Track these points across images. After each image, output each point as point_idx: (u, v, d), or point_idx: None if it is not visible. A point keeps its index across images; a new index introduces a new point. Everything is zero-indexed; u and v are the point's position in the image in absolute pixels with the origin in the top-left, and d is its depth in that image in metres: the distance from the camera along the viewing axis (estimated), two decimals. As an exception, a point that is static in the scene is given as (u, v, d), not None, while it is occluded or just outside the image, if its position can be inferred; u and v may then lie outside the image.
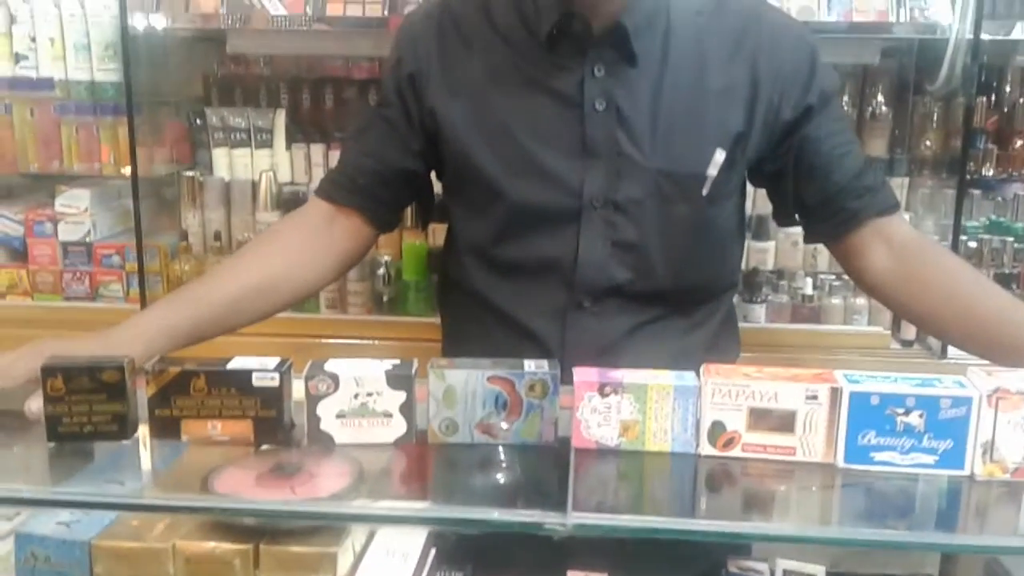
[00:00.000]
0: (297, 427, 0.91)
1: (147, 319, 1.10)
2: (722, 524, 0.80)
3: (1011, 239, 2.07)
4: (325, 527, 0.88)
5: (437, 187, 1.29)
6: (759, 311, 2.03)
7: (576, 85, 1.13)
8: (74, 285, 2.12)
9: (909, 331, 2.01)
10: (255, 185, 2.12)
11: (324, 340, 2.00)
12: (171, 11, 2.00)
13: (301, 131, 2.19)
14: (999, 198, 2.16)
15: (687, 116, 1.13)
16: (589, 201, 1.14)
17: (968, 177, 1.97)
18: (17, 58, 2.07)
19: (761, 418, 0.86)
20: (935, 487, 0.84)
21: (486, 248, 1.21)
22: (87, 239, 2.12)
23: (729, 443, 0.87)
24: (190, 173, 2.15)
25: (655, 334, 1.20)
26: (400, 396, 0.89)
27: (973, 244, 2.07)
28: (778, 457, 0.86)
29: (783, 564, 1.00)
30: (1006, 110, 2.14)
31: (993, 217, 2.14)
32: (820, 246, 1.27)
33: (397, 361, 0.91)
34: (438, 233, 1.94)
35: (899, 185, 2.04)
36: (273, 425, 0.89)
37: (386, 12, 1.97)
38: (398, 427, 0.89)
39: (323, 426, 0.89)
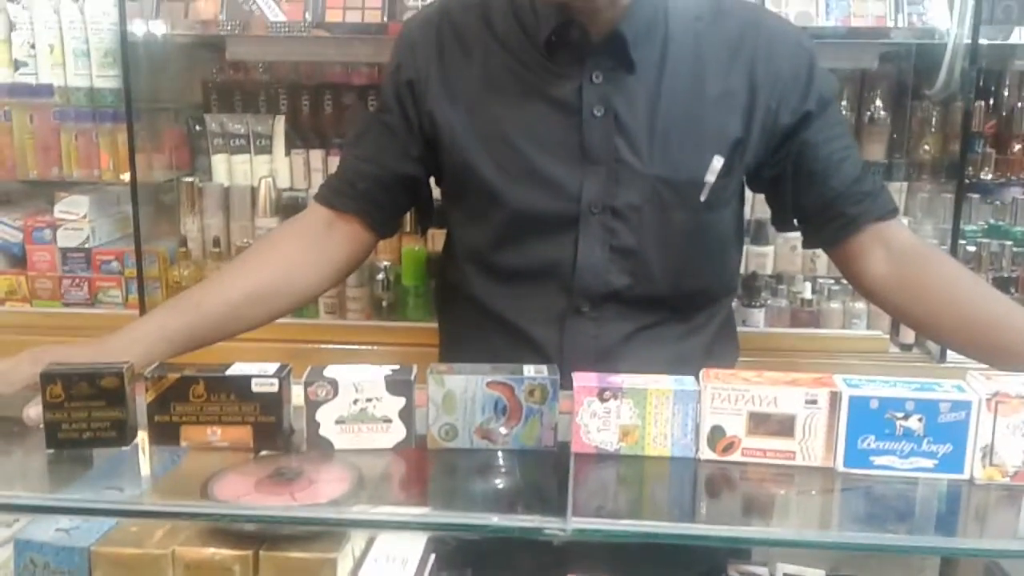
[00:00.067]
0: (296, 433, 0.91)
1: (146, 325, 1.10)
2: (722, 529, 0.80)
3: (1010, 243, 2.08)
4: (325, 533, 0.88)
5: (436, 193, 1.29)
6: (758, 315, 2.03)
7: (574, 92, 1.13)
8: (73, 291, 2.12)
9: (908, 335, 2.01)
10: (254, 191, 2.12)
11: (323, 346, 2.00)
12: (170, 18, 2.00)
13: (300, 137, 2.19)
14: (997, 202, 2.16)
15: (685, 122, 1.13)
16: (587, 207, 1.14)
17: (966, 181, 1.97)
18: (16, 65, 2.07)
19: (761, 422, 0.86)
20: (935, 491, 0.84)
21: (485, 254, 1.21)
22: (86, 245, 2.12)
23: (729, 447, 0.87)
24: (189, 179, 2.15)
25: (654, 339, 1.20)
26: (399, 402, 0.89)
27: (972, 248, 2.07)
28: (778, 461, 0.86)
29: (783, 568, 1.00)
30: (1004, 114, 2.14)
31: (992, 221, 2.14)
32: (819, 250, 1.27)
33: (396, 366, 0.90)
34: (437, 239, 1.94)
35: (898, 189, 2.05)
36: (272, 431, 0.89)
37: (385, 18, 1.97)
38: (397, 432, 0.89)
39: (322, 432, 0.89)
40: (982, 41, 1.86)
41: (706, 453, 0.87)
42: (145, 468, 0.90)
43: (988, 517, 0.84)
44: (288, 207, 2.11)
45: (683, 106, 1.13)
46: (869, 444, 0.84)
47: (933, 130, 2.08)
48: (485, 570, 1.01)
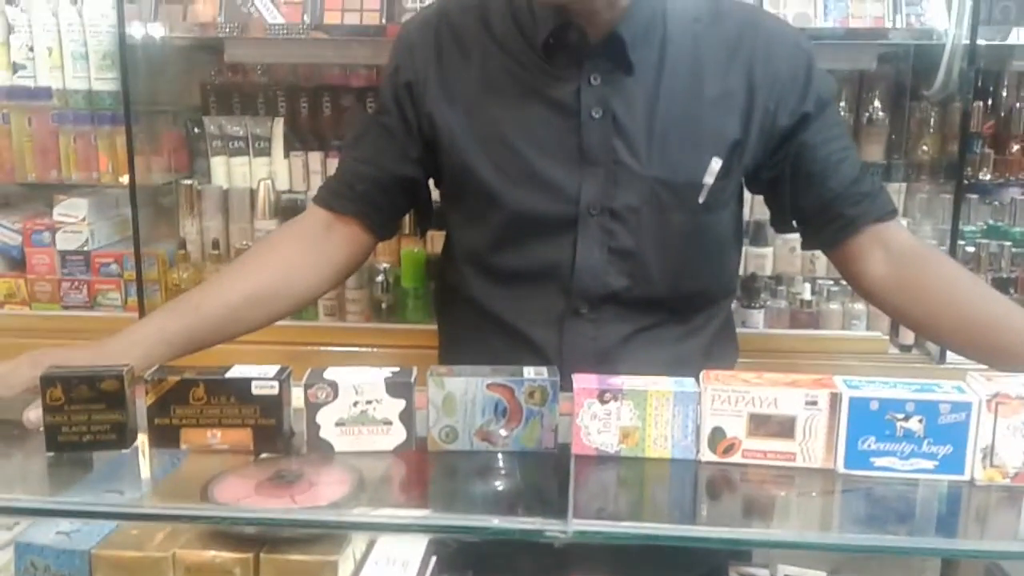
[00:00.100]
0: (296, 435, 0.91)
1: (145, 328, 1.10)
2: (723, 530, 0.80)
3: (1008, 243, 2.08)
4: (325, 535, 0.88)
5: (435, 194, 1.29)
6: (758, 317, 2.03)
7: (572, 94, 1.13)
8: (72, 294, 2.12)
9: (907, 336, 2.02)
10: (253, 193, 2.13)
11: (322, 348, 2.00)
12: (169, 20, 2.00)
13: (299, 139, 2.19)
14: (996, 202, 2.16)
15: (683, 124, 1.13)
16: (586, 209, 1.14)
17: (965, 182, 1.98)
18: (15, 67, 2.07)
19: (761, 424, 0.86)
20: (935, 492, 0.84)
21: (483, 255, 1.21)
22: (85, 248, 2.12)
23: (729, 449, 0.87)
24: (188, 181, 2.16)
25: (653, 341, 1.20)
26: (400, 404, 0.89)
27: (971, 249, 2.07)
28: (778, 463, 0.86)
29: (784, 570, 1.00)
30: (1002, 115, 2.14)
31: (991, 221, 2.14)
32: (818, 251, 1.27)
33: (396, 369, 0.90)
34: (436, 240, 1.94)
35: (896, 190, 2.05)
36: (272, 433, 0.89)
37: (383, 20, 1.97)
38: (398, 435, 0.89)
39: (323, 434, 0.89)
40: (980, 42, 1.86)
41: (707, 455, 0.87)
42: (145, 471, 0.90)
43: (989, 518, 0.84)
44: (287, 209, 2.11)
45: (681, 108, 1.13)
46: (869, 445, 0.84)
47: (932, 131, 2.08)
48: (486, 572, 1.01)
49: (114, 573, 0.87)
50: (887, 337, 2.02)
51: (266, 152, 2.15)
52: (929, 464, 0.84)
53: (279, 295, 1.18)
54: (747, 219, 1.93)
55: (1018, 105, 2.13)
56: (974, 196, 2.14)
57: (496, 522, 0.78)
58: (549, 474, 0.88)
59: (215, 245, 2.11)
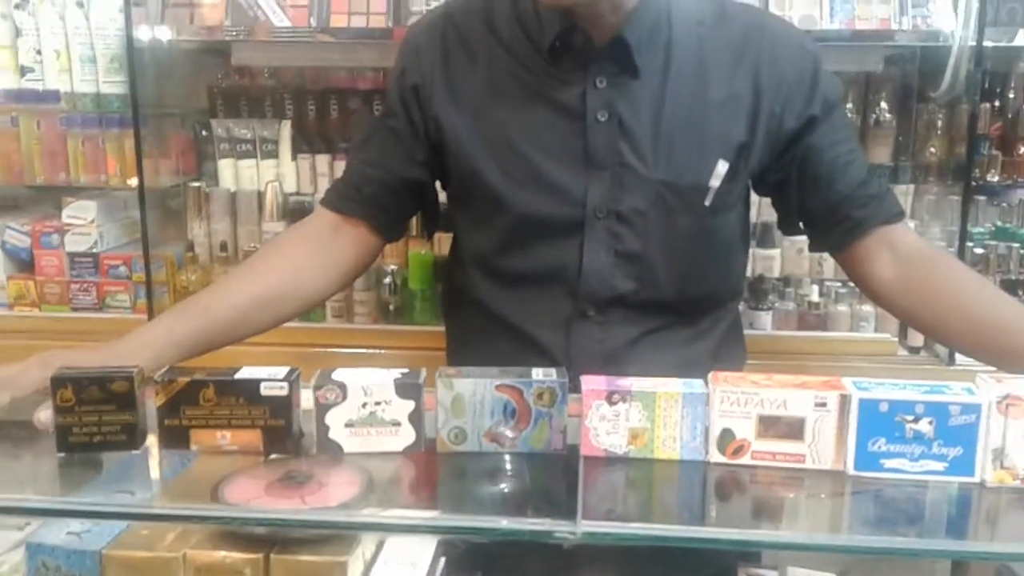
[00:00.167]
0: (306, 436, 0.91)
1: (154, 330, 1.10)
2: (732, 532, 0.80)
3: (1017, 245, 2.07)
4: (335, 536, 0.88)
5: (442, 196, 1.30)
6: (765, 318, 2.02)
7: (578, 97, 1.13)
8: (81, 296, 2.13)
9: (916, 338, 2.01)
10: (261, 196, 2.13)
11: (330, 349, 2.00)
12: (176, 23, 2.00)
13: (306, 142, 2.20)
14: (1004, 204, 2.16)
15: (689, 127, 1.13)
16: (592, 212, 1.14)
17: (973, 183, 1.97)
18: (23, 71, 2.08)
19: (770, 426, 0.86)
20: (945, 494, 0.84)
21: (490, 258, 1.21)
22: (94, 250, 2.12)
23: (738, 451, 0.87)
24: (196, 184, 2.16)
25: (660, 343, 1.20)
26: (409, 405, 0.89)
27: (979, 251, 2.06)
28: (787, 465, 0.86)
29: (793, 571, 1.00)
30: (1010, 116, 2.13)
31: (999, 223, 2.13)
32: (826, 253, 1.27)
33: (405, 370, 0.91)
34: (444, 242, 1.94)
35: (904, 192, 2.04)
36: (282, 434, 0.89)
37: (390, 23, 1.98)
38: (407, 436, 0.89)
39: (332, 435, 0.89)
40: (987, 43, 1.86)
41: (716, 456, 0.87)
42: (155, 471, 0.90)
43: (999, 520, 0.84)
44: (295, 211, 2.11)
45: (687, 111, 1.13)
46: (879, 447, 0.84)
47: (939, 132, 2.08)
48: (495, 573, 1.01)
49: (125, 573, 0.88)
50: (896, 339, 2.01)
51: (273, 155, 2.15)
52: (939, 466, 0.84)
53: (287, 297, 1.18)
54: (754, 221, 1.94)
55: (1026, 106, 2.12)
56: (982, 198, 2.13)
57: (505, 523, 0.78)
58: (558, 475, 0.88)
59: (223, 247, 2.11)
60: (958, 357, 1.89)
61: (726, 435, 0.87)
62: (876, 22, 1.92)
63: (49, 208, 2.21)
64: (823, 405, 0.85)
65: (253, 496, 0.82)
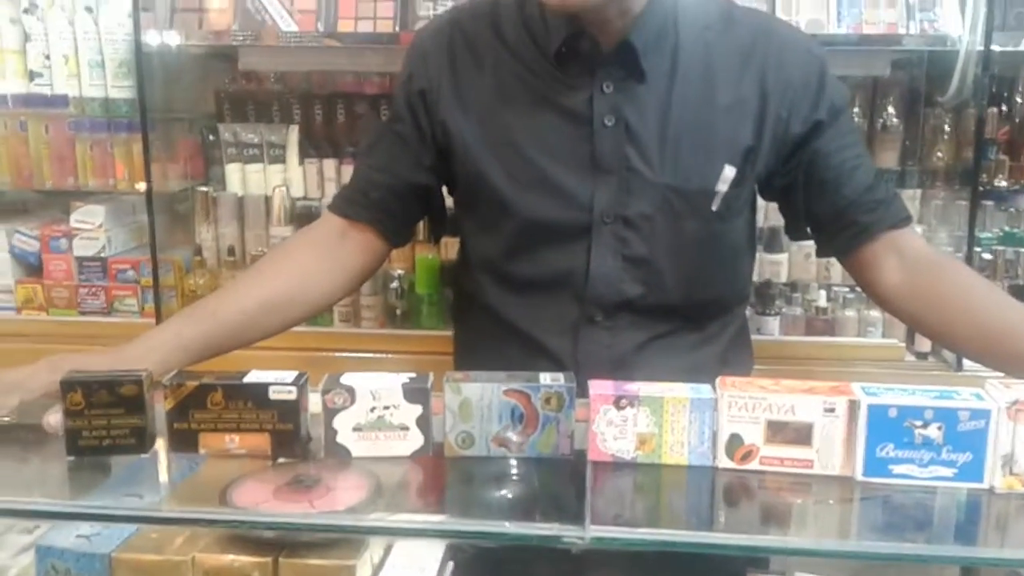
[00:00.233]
0: (314, 440, 0.91)
1: (162, 334, 1.10)
2: (740, 537, 0.80)
3: (1024, 250, 2.07)
4: (343, 540, 0.88)
5: (449, 201, 1.30)
6: (773, 324, 2.02)
7: (585, 101, 1.13)
8: (89, 300, 2.13)
9: (924, 343, 2.00)
10: (268, 200, 2.14)
11: (337, 354, 2.00)
12: (184, 28, 2.01)
13: (313, 146, 2.20)
14: (1012, 209, 2.15)
15: (696, 132, 1.13)
16: (599, 216, 1.14)
17: (980, 188, 1.97)
18: (32, 75, 2.09)
19: (778, 431, 0.86)
20: (954, 500, 0.83)
21: (498, 263, 1.21)
22: (102, 254, 2.13)
23: (747, 456, 0.87)
24: (204, 188, 2.17)
25: (668, 348, 1.20)
26: (416, 409, 0.89)
27: (987, 256, 2.06)
28: (796, 470, 0.86)
29: (801, 577, 0.99)
30: (1017, 121, 2.14)
31: (1007, 228, 2.13)
32: (833, 258, 1.27)
33: (413, 374, 0.91)
34: (451, 247, 1.94)
35: (911, 197, 2.04)
36: (290, 438, 0.89)
37: (397, 28, 1.98)
38: (415, 440, 0.90)
39: (340, 439, 0.89)
40: (994, 48, 1.86)
41: (724, 461, 0.87)
42: (164, 475, 0.90)
43: (1008, 527, 0.84)
44: (302, 216, 2.12)
45: (694, 115, 1.13)
46: (888, 453, 0.84)
47: (946, 137, 2.08)
48: (502, 578, 1.01)
49: (133, 577, 0.88)
50: (903, 344, 2.01)
51: (281, 159, 2.16)
52: (948, 472, 0.83)
53: (294, 301, 1.18)
54: (761, 226, 1.93)
55: (1033, 111, 2.12)
56: (989, 203, 2.13)
57: (513, 528, 0.78)
58: (566, 480, 0.88)
59: (231, 251, 2.12)
60: (966, 363, 1.89)
61: (734, 440, 0.87)
62: (883, 26, 1.91)
63: (57, 212, 2.22)
64: (832, 410, 0.85)
65: (261, 500, 0.82)
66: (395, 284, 2.08)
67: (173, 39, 2.01)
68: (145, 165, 2.01)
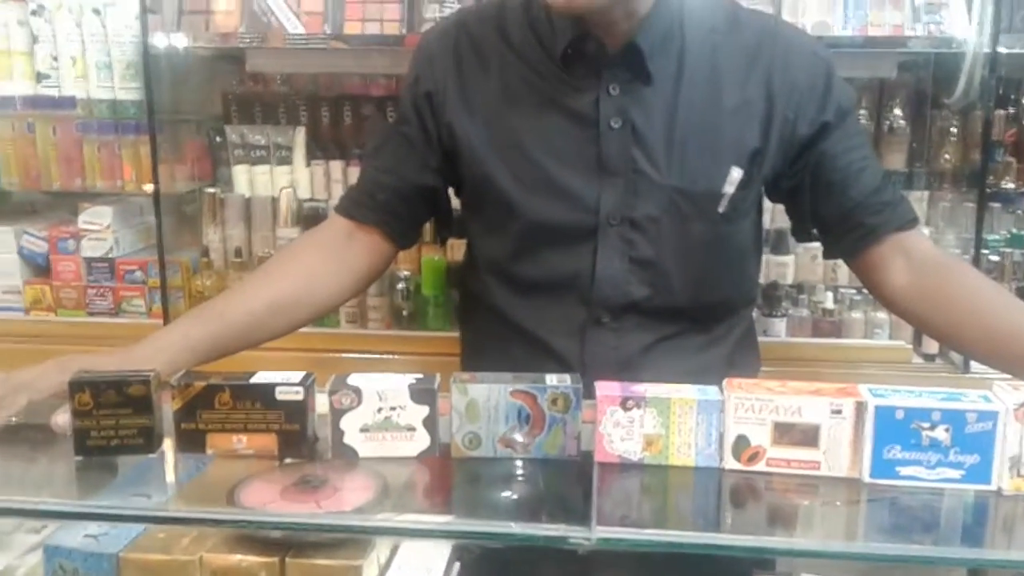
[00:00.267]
0: (321, 441, 0.91)
1: (170, 335, 1.11)
2: (747, 539, 0.79)
3: (1032, 252, 2.06)
4: (350, 540, 0.88)
5: (455, 202, 1.30)
6: (779, 325, 2.02)
7: (591, 104, 1.13)
8: (97, 301, 2.14)
9: (931, 345, 2.00)
10: (275, 201, 2.14)
11: (344, 355, 2.01)
12: (191, 30, 2.02)
13: (320, 148, 2.21)
14: (1019, 211, 2.15)
15: (702, 134, 1.13)
16: (605, 218, 1.14)
17: (988, 190, 1.96)
18: (39, 77, 2.10)
19: (785, 432, 0.86)
20: (961, 502, 0.83)
21: (504, 265, 1.21)
22: (110, 255, 2.14)
23: (753, 457, 0.87)
24: (211, 190, 2.18)
25: (674, 350, 1.20)
26: (423, 410, 0.89)
27: (995, 258, 2.06)
28: (802, 472, 0.86)
29: (807, 579, 0.99)
30: (1024, 123, 2.13)
31: (1014, 230, 2.13)
32: (840, 259, 1.26)
33: (420, 375, 0.91)
34: (457, 248, 1.95)
35: (918, 199, 2.04)
36: (297, 439, 0.89)
37: (403, 30, 1.99)
38: (421, 441, 0.90)
39: (347, 440, 0.89)
40: (1001, 50, 1.85)
41: (730, 463, 0.87)
42: (171, 475, 0.91)
43: (1016, 528, 0.83)
44: (309, 217, 2.12)
45: (700, 117, 1.13)
46: (895, 454, 0.83)
47: (953, 139, 2.07)
48: (508, 579, 1.01)
49: (141, 576, 0.88)
50: (910, 346, 2.00)
51: (288, 161, 2.16)
52: (955, 473, 0.83)
53: (301, 303, 1.19)
54: (768, 227, 1.93)
55: (1040, 113, 2.12)
56: (997, 205, 2.13)
57: (519, 529, 0.78)
58: (572, 481, 0.88)
59: (238, 253, 2.13)
60: (973, 364, 1.88)
61: (741, 442, 0.87)
62: (890, 28, 1.91)
63: (65, 214, 2.23)
64: (839, 412, 0.84)
65: (268, 500, 0.83)
66: (401, 285, 2.08)
67: (180, 41, 2.02)
68: (152, 166, 2.02)
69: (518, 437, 0.89)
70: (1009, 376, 1.06)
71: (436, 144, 1.21)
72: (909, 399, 0.83)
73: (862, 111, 2.05)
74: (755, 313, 1.42)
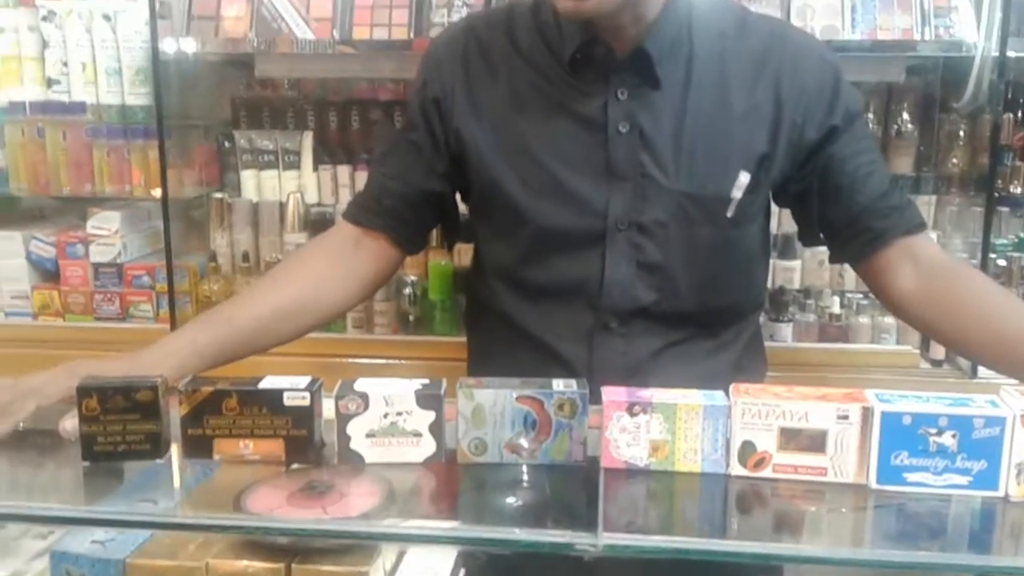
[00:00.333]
0: (327, 446, 0.91)
1: (178, 340, 1.11)
2: (753, 545, 0.79)
3: (1041, 257, 2.05)
4: (356, 546, 0.88)
5: (463, 208, 1.30)
6: (786, 330, 2.01)
7: (600, 108, 1.13)
8: (105, 306, 2.15)
9: (938, 350, 1.99)
10: (283, 206, 2.15)
11: (350, 360, 2.01)
12: (201, 36, 2.03)
13: (328, 153, 2.21)
14: (1028, 215, 2.14)
15: (711, 138, 1.13)
16: (614, 223, 1.14)
17: (996, 194, 1.96)
18: (49, 82, 2.11)
19: (792, 438, 0.85)
20: (968, 508, 0.83)
21: (512, 270, 1.21)
22: (118, 260, 2.14)
23: (760, 463, 0.86)
24: (219, 195, 2.18)
25: (682, 355, 1.20)
26: (429, 416, 0.89)
27: (1002, 262, 2.05)
28: (809, 478, 0.86)
29: (814, 586, 0.99)
30: (1033, 127, 2.12)
31: (1022, 235, 2.11)
32: (847, 264, 1.26)
33: (426, 380, 0.91)
34: (464, 253, 1.95)
35: (926, 203, 2.03)
36: (304, 444, 0.90)
37: (411, 35, 1.99)
38: (427, 446, 0.90)
39: (353, 445, 0.89)
40: (1010, 54, 1.85)
41: (737, 469, 0.87)
42: (178, 481, 0.91)
43: (1023, 535, 0.83)
44: (316, 222, 2.13)
45: (709, 122, 1.13)
46: (902, 460, 0.83)
47: (961, 143, 2.06)
48: (514, 585, 1.01)
49: (148, 582, 0.88)
50: (917, 351, 2.00)
51: (295, 166, 2.17)
52: (963, 480, 0.83)
53: (308, 309, 1.19)
54: (775, 232, 1.93)
55: (1049, 117, 2.11)
56: (1005, 209, 2.11)
57: (526, 535, 0.78)
58: (578, 487, 0.88)
59: (245, 258, 2.13)
60: (981, 370, 1.87)
61: (747, 447, 0.86)
62: (898, 32, 1.91)
63: (74, 218, 2.24)
64: (845, 418, 0.84)
65: (275, 506, 0.83)
66: (408, 290, 2.08)
67: (190, 46, 2.02)
68: (161, 171, 2.03)
69: (524, 443, 0.89)
70: (1016, 381, 1.05)
71: (444, 149, 1.21)
72: (916, 405, 0.83)
73: (870, 115, 2.04)
74: (762, 318, 1.42)
